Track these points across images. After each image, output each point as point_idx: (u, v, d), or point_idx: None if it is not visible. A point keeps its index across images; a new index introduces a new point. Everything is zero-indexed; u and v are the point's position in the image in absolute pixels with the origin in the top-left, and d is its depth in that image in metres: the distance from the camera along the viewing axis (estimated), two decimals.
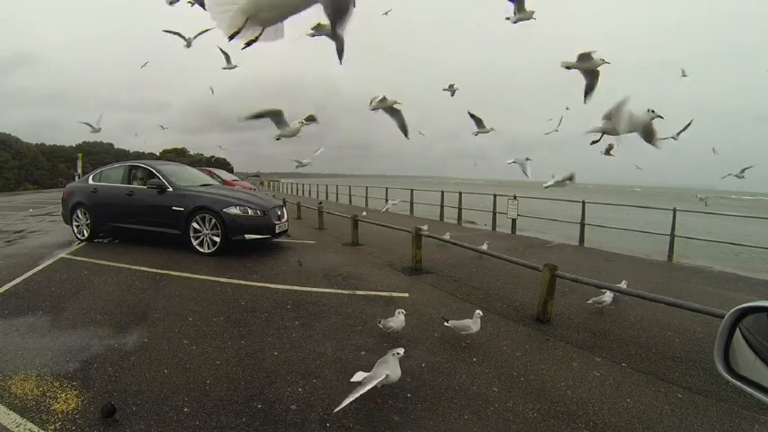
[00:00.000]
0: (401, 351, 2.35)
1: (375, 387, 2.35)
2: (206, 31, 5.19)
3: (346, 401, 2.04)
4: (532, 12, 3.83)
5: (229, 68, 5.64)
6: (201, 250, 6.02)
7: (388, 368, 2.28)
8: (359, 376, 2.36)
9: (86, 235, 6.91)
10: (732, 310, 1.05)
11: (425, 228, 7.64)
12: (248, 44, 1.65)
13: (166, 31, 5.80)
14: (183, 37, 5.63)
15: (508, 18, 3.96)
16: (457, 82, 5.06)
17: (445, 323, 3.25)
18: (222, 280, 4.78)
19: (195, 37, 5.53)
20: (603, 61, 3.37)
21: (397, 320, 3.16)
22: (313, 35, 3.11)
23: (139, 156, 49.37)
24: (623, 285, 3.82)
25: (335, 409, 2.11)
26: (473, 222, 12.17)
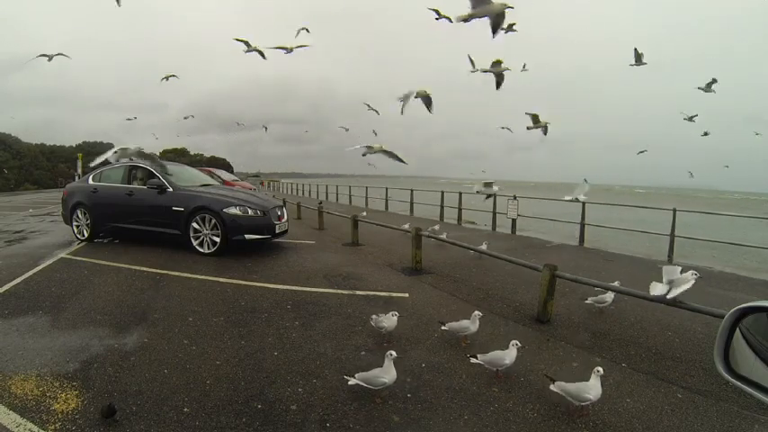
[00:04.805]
0: (393, 353, 2.42)
1: (374, 388, 2.36)
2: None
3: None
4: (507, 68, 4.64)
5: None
6: (201, 250, 6.02)
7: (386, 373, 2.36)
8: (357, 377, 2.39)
9: (86, 235, 6.91)
10: (732, 310, 1.04)
11: (437, 228, 7.66)
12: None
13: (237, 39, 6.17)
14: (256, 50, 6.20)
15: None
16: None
17: (442, 327, 3.26)
18: (222, 280, 4.78)
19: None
20: (507, 68, 4.58)
21: (390, 321, 3.18)
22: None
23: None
24: (615, 285, 3.80)
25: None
26: (473, 222, 12.16)
